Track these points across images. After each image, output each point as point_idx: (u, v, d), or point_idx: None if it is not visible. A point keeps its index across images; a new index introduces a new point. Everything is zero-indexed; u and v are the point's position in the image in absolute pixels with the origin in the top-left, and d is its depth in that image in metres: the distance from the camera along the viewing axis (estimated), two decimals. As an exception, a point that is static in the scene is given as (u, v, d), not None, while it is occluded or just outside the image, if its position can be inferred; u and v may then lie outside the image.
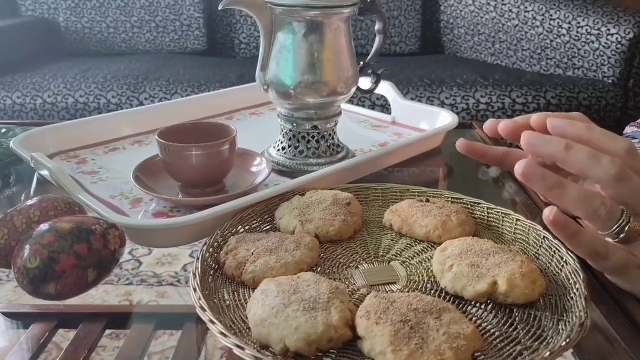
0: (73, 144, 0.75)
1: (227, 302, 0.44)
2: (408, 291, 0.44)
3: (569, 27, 1.86)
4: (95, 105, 1.73)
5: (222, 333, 0.38)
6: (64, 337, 0.57)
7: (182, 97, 1.64)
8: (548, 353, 0.36)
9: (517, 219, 0.53)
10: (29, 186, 0.76)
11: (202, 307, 0.41)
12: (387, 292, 0.43)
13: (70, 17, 2.14)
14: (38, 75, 1.82)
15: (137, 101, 1.73)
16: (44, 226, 0.43)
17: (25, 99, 1.74)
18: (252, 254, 0.46)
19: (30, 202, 0.49)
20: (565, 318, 0.40)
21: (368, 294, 0.41)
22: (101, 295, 1.00)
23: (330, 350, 0.38)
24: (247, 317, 0.40)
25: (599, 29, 1.80)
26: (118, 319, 0.62)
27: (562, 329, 0.39)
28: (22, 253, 0.41)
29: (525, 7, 1.95)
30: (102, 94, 1.74)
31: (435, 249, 0.50)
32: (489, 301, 0.43)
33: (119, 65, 1.91)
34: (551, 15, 1.90)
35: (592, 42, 1.81)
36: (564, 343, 0.37)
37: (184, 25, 2.15)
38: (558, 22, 1.88)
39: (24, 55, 1.99)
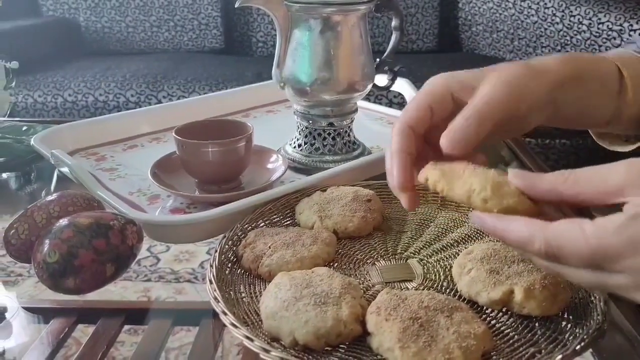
0: (92, 141, 0.76)
1: (243, 294, 0.44)
2: (423, 289, 0.44)
3: (590, 24, 1.83)
4: (115, 104, 1.75)
5: (233, 324, 0.38)
6: (84, 332, 0.58)
7: (200, 95, 1.65)
8: (560, 356, 0.35)
9: None
10: (49, 183, 0.77)
11: (215, 299, 0.41)
12: (401, 290, 0.43)
13: (90, 17, 2.16)
14: (59, 74, 1.85)
15: (156, 99, 1.74)
16: (63, 221, 0.43)
17: (47, 98, 1.77)
18: (270, 247, 0.47)
19: (50, 198, 0.50)
20: (583, 322, 0.39)
21: (383, 290, 0.41)
22: (120, 291, 1.01)
23: (340, 346, 0.38)
24: (260, 310, 0.41)
25: (620, 25, 1.76)
26: (136, 314, 0.63)
27: (579, 332, 0.38)
28: (42, 248, 0.42)
29: (545, 4, 1.93)
30: (121, 93, 1.76)
31: (456, 247, 0.50)
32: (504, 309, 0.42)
33: (138, 64, 1.93)
34: (571, 11, 1.87)
35: (614, 38, 1.78)
36: (577, 347, 0.36)
37: (202, 24, 2.16)
38: (579, 19, 1.86)
39: (45, 55, 2.02)
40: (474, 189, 0.36)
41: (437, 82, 0.45)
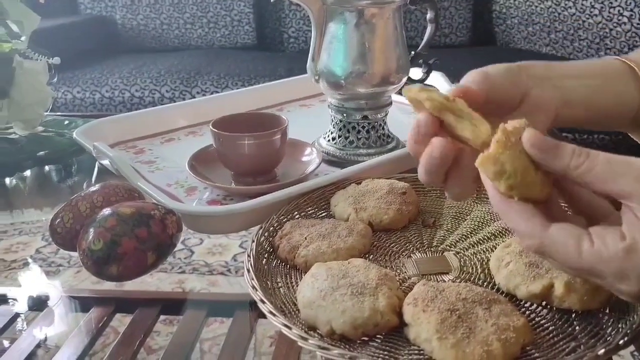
0: (131, 134, 0.78)
1: (279, 284, 0.45)
2: (460, 282, 0.44)
3: (631, 15, 1.78)
4: (150, 100, 1.79)
5: (271, 313, 0.39)
6: (121, 321, 0.59)
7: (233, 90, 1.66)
8: (603, 350, 0.35)
9: None
10: (89, 175, 0.79)
11: (254, 287, 0.42)
12: (437, 282, 0.43)
13: (126, 15, 2.21)
14: (97, 70, 1.89)
15: (190, 95, 1.77)
16: (106, 211, 0.45)
17: (85, 94, 1.82)
18: (306, 238, 0.47)
19: (93, 188, 0.51)
20: (626, 316, 0.39)
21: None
22: (155, 282, 1.03)
23: (377, 336, 0.38)
24: (297, 300, 0.41)
25: (663, 17, 1.71)
26: (172, 305, 0.64)
27: (622, 327, 0.38)
28: (87, 236, 0.43)
29: (583, -5, 1.88)
30: (156, 89, 1.79)
31: (493, 240, 0.50)
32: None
33: (172, 60, 1.96)
34: (611, 2, 1.82)
35: (656, 30, 1.73)
36: (621, 342, 0.36)
37: (234, 20, 2.18)
38: (619, 10, 1.80)
39: (83, 52, 2.07)
40: (505, 170, 0.34)
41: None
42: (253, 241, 0.48)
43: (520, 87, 0.43)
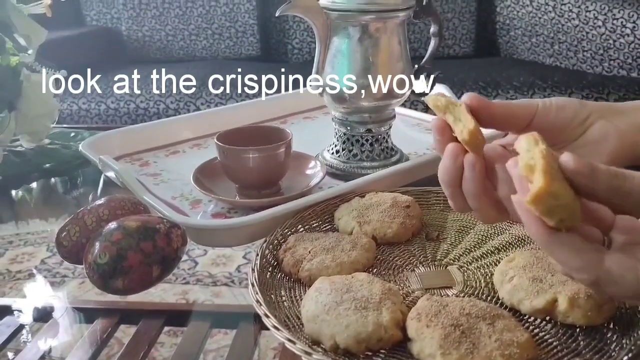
0: (137, 147, 0.78)
1: (283, 297, 0.45)
2: (464, 297, 0.44)
3: (634, 27, 1.78)
4: (155, 111, 1.80)
5: (275, 327, 0.39)
6: (125, 332, 0.60)
7: (237, 102, 1.67)
8: None
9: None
10: (95, 187, 0.79)
11: (258, 301, 0.42)
12: (441, 296, 0.43)
13: (132, 26, 2.23)
14: (102, 82, 1.90)
15: (195, 106, 1.78)
16: (112, 225, 0.45)
17: (91, 105, 1.83)
18: (310, 252, 0.48)
19: (99, 202, 0.52)
20: (630, 332, 0.38)
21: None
22: (160, 293, 1.03)
23: (381, 351, 0.38)
24: (301, 314, 0.41)
25: (666, 28, 1.71)
26: (176, 316, 0.64)
27: (626, 343, 0.38)
28: (93, 249, 0.44)
29: (587, 7, 1.89)
30: (161, 100, 1.80)
31: (497, 254, 0.50)
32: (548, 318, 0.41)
33: (177, 71, 1.97)
34: (614, 14, 1.82)
35: (660, 41, 1.73)
36: (625, 358, 0.36)
37: (239, 32, 2.20)
38: (622, 22, 1.81)
39: (89, 63, 2.09)
40: (558, 204, 0.31)
41: None
42: (257, 255, 0.49)
43: (579, 118, 0.45)
